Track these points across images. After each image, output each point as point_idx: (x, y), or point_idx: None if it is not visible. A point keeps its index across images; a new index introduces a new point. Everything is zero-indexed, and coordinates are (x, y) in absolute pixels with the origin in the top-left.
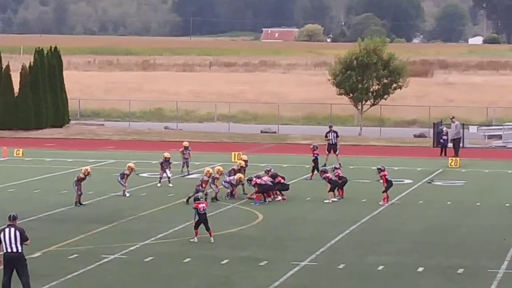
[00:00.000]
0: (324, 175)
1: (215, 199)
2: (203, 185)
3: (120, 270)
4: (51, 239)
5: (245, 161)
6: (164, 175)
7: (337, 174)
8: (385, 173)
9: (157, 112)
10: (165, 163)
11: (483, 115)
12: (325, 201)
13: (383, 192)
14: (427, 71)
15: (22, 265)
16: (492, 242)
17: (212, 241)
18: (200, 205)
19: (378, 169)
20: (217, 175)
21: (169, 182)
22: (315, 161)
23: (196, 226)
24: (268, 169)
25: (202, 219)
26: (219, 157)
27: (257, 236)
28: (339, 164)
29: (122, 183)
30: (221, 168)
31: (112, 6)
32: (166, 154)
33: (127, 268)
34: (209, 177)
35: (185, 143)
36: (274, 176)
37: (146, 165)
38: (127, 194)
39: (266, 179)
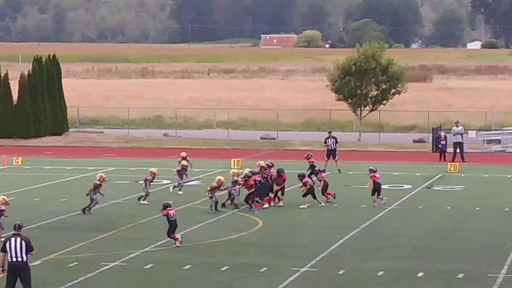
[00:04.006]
0: (304, 180)
1: (234, 205)
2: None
3: (120, 277)
4: (51, 247)
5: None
6: (180, 181)
7: (321, 178)
8: (376, 174)
9: (156, 119)
10: (182, 171)
11: (482, 120)
12: (300, 206)
13: (372, 195)
14: (425, 76)
15: (26, 275)
16: (492, 247)
17: (177, 245)
18: (171, 212)
19: (370, 169)
20: (236, 178)
21: (180, 190)
22: (312, 167)
23: (169, 234)
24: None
25: (173, 225)
26: (219, 164)
27: (257, 243)
28: (338, 168)
29: (145, 189)
30: (236, 171)
31: (111, 13)
32: (184, 162)
33: (127, 275)
34: (219, 184)
35: (183, 154)
36: (280, 171)
37: (145, 172)
38: (144, 202)
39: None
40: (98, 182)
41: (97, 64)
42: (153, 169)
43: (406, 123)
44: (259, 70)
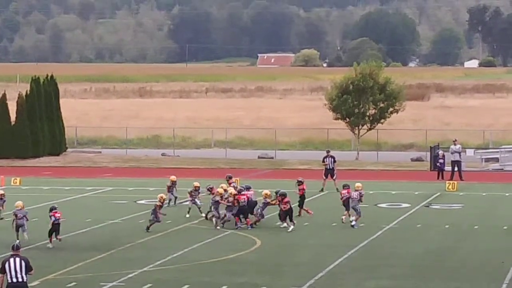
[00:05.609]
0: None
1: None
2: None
3: None
4: (49, 267)
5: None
6: (193, 204)
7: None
8: (304, 186)
9: (154, 139)
10: (194, 192)
11: (480, 138)
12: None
13: (298, 206)
14: (423, 95)
15: None
16: (490, 265)
17: (49, 247)
18: (57, 214)
19: (299, 181)
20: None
21: (201, 212)
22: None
23: (50, 234)
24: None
25: (55, 227)
26: (217, 183)
27: (255, 262)
28: (336, 187)
29: (215, 213)
30: (268, 192)
31: (108, 33)
32: (196, 183)
33: None
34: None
35: (173, 177)
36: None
37: (143, 192)
38: (218, 227)
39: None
40: (159, 204)
41: (95, 84)
42: (220, 190)
43: (404, 142)
44: (257, 89)
